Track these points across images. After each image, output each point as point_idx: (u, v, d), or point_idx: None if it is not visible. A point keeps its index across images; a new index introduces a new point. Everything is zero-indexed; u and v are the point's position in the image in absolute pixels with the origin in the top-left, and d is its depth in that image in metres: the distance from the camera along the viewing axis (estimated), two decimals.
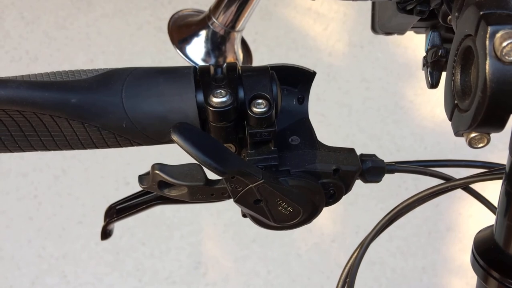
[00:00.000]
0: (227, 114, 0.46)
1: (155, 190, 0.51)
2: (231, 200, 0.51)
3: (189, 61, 0.71)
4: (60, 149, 0.50)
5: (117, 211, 0.60)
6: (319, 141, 0.51)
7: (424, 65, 0.54)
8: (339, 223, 1.87)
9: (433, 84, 0.54)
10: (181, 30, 0.73)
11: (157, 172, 0.48)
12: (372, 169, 0.52)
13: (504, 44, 0.34)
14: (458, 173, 0.58)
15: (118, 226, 1.94)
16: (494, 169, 0.55)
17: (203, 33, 0.72)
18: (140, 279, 1.82)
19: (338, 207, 1.99)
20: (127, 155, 1.83)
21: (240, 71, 0.48)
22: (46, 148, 0.50)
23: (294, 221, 0.50)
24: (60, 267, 1.84)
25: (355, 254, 0.59)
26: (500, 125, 0.38)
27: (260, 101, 0.46)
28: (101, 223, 1.90)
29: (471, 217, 1.85)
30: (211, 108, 0.45)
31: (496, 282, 0.44)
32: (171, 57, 2.17)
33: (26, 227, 1.86)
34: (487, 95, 0.36)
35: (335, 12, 1.97)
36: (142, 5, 1.99)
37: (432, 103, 1.98)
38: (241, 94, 0.47)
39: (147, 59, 1.92)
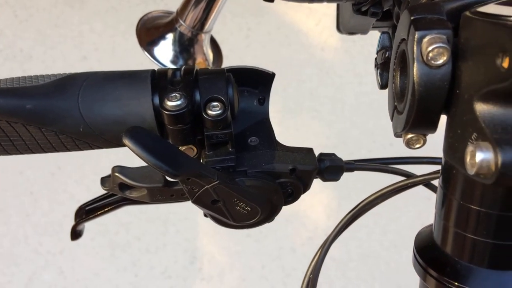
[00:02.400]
0: (182, 117, 0.46)
1: (116, 192, 0.52)
2: None
3: (157, 63, 0.71)
4: (21, 153, 0.50)
5: (86, 212, 0.61)
6: (278, 142, 0.51)
7: (375, 65, 0.55)
8: (333, 217, 1.88)
9: (383, 85, 0.55)
10: (149, 32, 0.73)
11: (117, 174, 0.49)
12: (330, 168, 0.53)
13: (430, 48, 0.35)
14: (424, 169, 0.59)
15: (114, 222, 1.96)
16: None
17: (171, 36, 0.73)
18: (136, 274, 1.83)
19: (332, 201, 2.01)
20: (120, 152, 1.83)
21: (197, 74, 0.48)
22: (7, 152, 0.50)
23: (254, 220, 0.50)
24: (57, 263, 1.85)
25: (318, 254, 0.60)
26: (431, 127, 0.39)
27: (215, 103, 0.47)
28: (96, 220, 1.92)
29: None
30: (166, 112, 0.46)
31: (434, 281, 0.44)
32: None
33: (23, 224, 1.88)
34: (415, 98, 0.37)
35: (327, 7, 1.97)
36: (134, 2, 1.99)
37: None
38: (197, 97, 0.47)
39: (139, 56, 1.92)
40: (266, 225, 1.81)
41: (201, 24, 0.72)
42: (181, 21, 0.72)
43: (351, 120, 1.87)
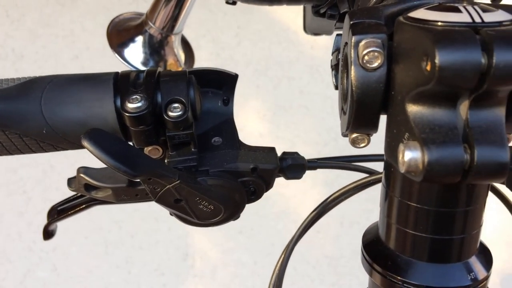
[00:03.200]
0: (142, 119, 0.47)
1: (83, 192, 0.52)
2: None
3: (128, 65, 0.72)
4: None
5: (58, 212, 0.62)
6: (241, 141, 0.52)
7: (330, 66, 0.56)
8: (324, 215, 1.89)
9: (337, 86, 0.56)
10: (120, 34, 0.74)
11: (81, 175, 0.50)
12: (292, 166, 0.54)
13: (365, 52, 0.36)
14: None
15: (107, 220, 1.97)
16: None
17: (141, 38, 0.73)
18: (129, 271, 1.84)
19: (323, 198, 2.02)
20: None
21: (159, 76, 0.49)
22: None
23: (217, 218, 0.51)
24: (51, 260, 1.87)
25: (284, 253, 0.61)
26: (372, 127, 0.40)
27: (176, 105, 0.48)
28: (89, 217, 1.93)
29: None
30: (127, 114, 0.47)
31: (379, 276, 0.45)
32: None
33: (17, 222, 1.89)
34: (354, 99, 0.38)
35: None
36: (126, 1, 2.00)
37: None
38: (158, 98, 0.48)
39: None
40: (258, 222, 1.85)
41: (170, 26, 0.73)
42: (150, 24, 0.73)
43: None
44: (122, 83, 0.48)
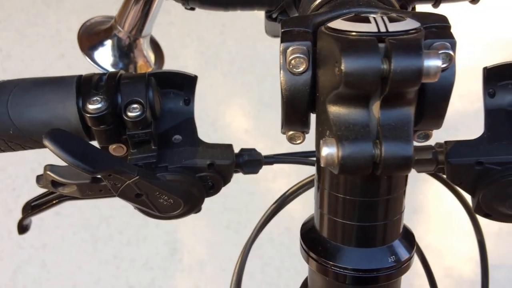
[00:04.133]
0: (102, 119, 0.50)
1: (50, 189, 0.55)
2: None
3: (99, 68, 0.74)
4: None
5: (32, 207, 0.64)
6: (200, 139, 0.55)
7: None
8: (308, 207, 1.91)
9: None
10: (90, 38, 0.75)
11: (48, 172, 0.53)
12: (248, 162, 0.57)
13: (291, 57, 0.40)
14: None
15: (95, 216, 1.99)
16: None
17: (110, 42, 0.75)
18: (118, 266, 1.87)
19: (307, 192, 2.04)
20: None
21: (119, 78, 0.52)
22: None
23: (178, 211, 0.54)
24: (41, 257, 1.88)
25: (243, 250, 0.67)
26: (303, 125, 0.44)
27: (135, 105, 0.51)
28: (78, 214, 1.96)
29: (436, 199, 1.91)
30: (87, 114, 0.50)
31: (315, 262, 0.49)
32: None
33: (6, 219, 1.90)
34: (284, 100, 0.42)
35: None
36: (111, 0, 2.02)
37: None
38: (119, 100, 0.51)
39: None
40: (245, 217, 1.89)
41: (138, 29, 0.74)
42: (119, 28, 0.74)
43: None
44: (85, 86, 0.52)
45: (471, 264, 1.90)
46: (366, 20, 0.40)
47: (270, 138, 1.88)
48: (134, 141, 0.52)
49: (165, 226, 1.91)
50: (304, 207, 1.94)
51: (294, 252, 1.89)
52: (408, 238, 0.50)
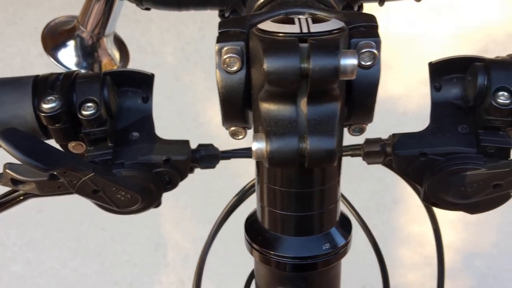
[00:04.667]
0: (57, 118, 0.51)
1: (11, 186, 0.56)
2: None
3: (64, 68, 0.74)
4: None
5: None
6: (157, 136, 0.56)
7: None
8: None
9: None
10: (54, 38, 0.76)
11: (7, 170, 0.53)
12: (205, 157, 0.57)
13: (225, 57, 0.41)
14: None
15: (78, 213, 1.99)
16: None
17: (73, 43, 0.75)
18: (102, 263, 1.88)
19: None
20: None
21: (75, 78, 0.53)
22: None
23: (136, 206, 0.54)
24: (24, 254, 1.89)
25: (203, 250, 0.71)
26: (241, 121, 0.46)
27: (89, 104, 0.52)
28: (60, 211, 1.95)
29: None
30: (42, 114, 0.51)
31: (258, 253, 0.51)
32: None
33: None
34: (220, 98, 0.44)
35: None
36: None
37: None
38: (74, 98, 0.52)
39: None
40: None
41: (101, 28, 0.75)
42: (82, 28, 0.75)
43: None
44: (41, 86, 0.53)
45: (450, 252, 1.93)
46: (291, 22, 0.42)
47: (250, 132, 1.89)
48: (90, 138, 0.53)
49: (149, 222, 1.92)
50: None
51: None
52: (345, 225, 0.53)
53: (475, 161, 0.52)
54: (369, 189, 1.94)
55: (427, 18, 1.99)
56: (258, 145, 0.41)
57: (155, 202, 0.57)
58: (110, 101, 0.53)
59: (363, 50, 0.42)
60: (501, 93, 0.52)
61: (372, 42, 0.42)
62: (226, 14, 0.60)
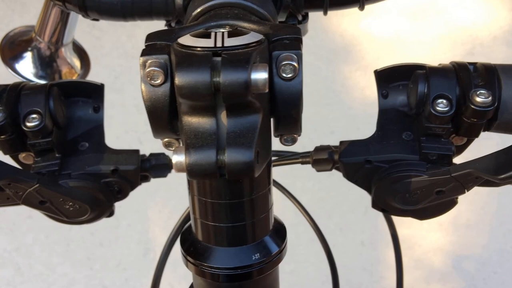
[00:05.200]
0: (1, 130, 0.52)
1: None
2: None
3: (22, 78, 0.74)
4: None
5: None
6: (106, 146, 0.56)
7: None
8: (280, 205, 1.93)
9: None
10: (13, 49, 0.76)
11: None
12: (155, 166, 0.58)
13: (148, 70, 0.41)
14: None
15: None
16: (284, 156, 0.66)
17: (30, 54, 0.76)
18: (91, 267, 1.88)
19: (279, 191, 2.05)
20: None
21: (21, 89, 0.54)
22: None
23: (86, 216, 0.55)
24: (14, 260, 1.89)
25: (162, 255, 0.72)
26: (172, 132, 0.45)
27: (34, 116, 0.52)
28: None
29: None
30: None
31: (193, 266, 0.51)
32: (106, 54, 2.20)
33: None
34: (147, 111, 0.43)
35: None
36: None
37: (361, 85, 2.04)
38: (19, 110, 0.53)
39: None
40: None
41: (58, 38, 0.75)
42: (39, 39, 0.75)
43: None
44: None
45: (441, 255, 1.93)
46: (207, 36, 0.42)
47: None
48: (37, 149, 0.53)
49: (137, 226, 1.92)
50: (277, 203, 1.96)
51: None
52: (278, 233, 0.53)
53: (417, 168, 0.53)
54: (357, 192, 1.93)
55: (413, 20, 1.99)
56: (178, 158, 0.41)
57: (105, 212, 0.57)
58: (56, 112, 0.53)
59: (283, 63, 0.42)
60: (440, 100, 0.52)
61: (293, 55, 0.42)
62: (172, 24, 0.60)
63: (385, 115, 0.56)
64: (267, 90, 0.39)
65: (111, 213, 0.59)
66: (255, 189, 0.48)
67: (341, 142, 0.57)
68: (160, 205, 1.94)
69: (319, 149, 0.59)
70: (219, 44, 0.41)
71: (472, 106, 0.50)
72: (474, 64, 0.53)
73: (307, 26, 0.77)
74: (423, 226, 1.96)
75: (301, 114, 0.45)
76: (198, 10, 0.50)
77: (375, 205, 0.57)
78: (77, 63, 0.80)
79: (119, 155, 0.55)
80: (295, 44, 0.43)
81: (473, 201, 1.99)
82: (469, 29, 1.93)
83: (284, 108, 0.44)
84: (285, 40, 0.44)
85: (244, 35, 0.42)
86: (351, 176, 0.56)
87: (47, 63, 0.76)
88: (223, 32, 0.42)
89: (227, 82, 0.38)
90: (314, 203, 1.94)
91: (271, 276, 0.54)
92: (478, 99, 0.50)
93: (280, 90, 0.43)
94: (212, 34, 0.42)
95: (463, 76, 0.52)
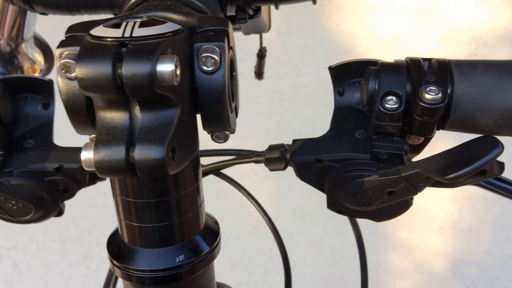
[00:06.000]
0: None
1: None
2: None
3: None
4: None
5: None
6: (53, 143, 0.55)
7: None
8: (277, 206, 1.92)
9: None
10: None
11: None
12: None
13: (62, 62, 0.39)
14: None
15: (64, 217, 2.01)
16: (246, 156, 0.63)
17: None
18: (88, 266, 1.88)
19: (276, 191, 2.04)
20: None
21: None
22: None
23: (31, 215, 0.54)
24: (12, 258, 1.91)
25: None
26: (91, 128, 0.43)
27: None
28: None
29: None
30: None
31: (119, 270, 0.48)
32: None
33: None
34: (64, 105, 0.41)
35: None
36: None
37: None
38: None
39: None
40: (213, 216, 1.84)
41: (18, 34, 0.74)
42: None
43: (290, 110, 1.90)
44: None
45: (440, 259, 1.89)
46: (117, 26, 0.40)
47: (235, 138, 1.88)
48: None
49: None
50: (274, 206, 1.94)
51: (262, 250, 1.90)
52: (210, 232, 0.51)
53: (368, 168, 0.51)
54: None
55: (416, 20, 1.95)
56: (86, 154, 0.39)
57: (52, 211, 0.55)
58: (1, 108, 0.52)
59: (203, 55, 0.40)
60: (389, 97, 0.49)
61: (215, 47, 0.41)
62: None
63: (340, 113, 0.54)
64: (176, 83, 0.37)
65: (60, 212, 0.57)
66: (180, 187, 0.46)
67: (294, 141, 0.54)
68: None
69: (272, 147, 0.57)
70: (127, 34, 0.39)
71: (421, 103, 0.48)
72: (429, 60, 0.51)
73: (266, 21, 0.75)
74: (424, 230, 1.92)
75: (227, 109, 0.43)
76: (132, 1, 0.48)
77: (330, 206, 0.55)
78: (40, 58, 0.79)
79: (65, 153, 0.54)
80: (219, 36, 0.42)
81: (475, 204, 1.95)
82: (472, 29, 1.89)
83: (207, 103, 0.42)
84: (210, 32, 0.42)
85: (158, 25, 0.40)
86: (303, 175, 0.54)
87: (7, 60, 0.76)
88: (134, 22, 0.40)
89: (130, 74, 0.36)
90: (311, 205, 1.92)
91: (204, 276, 0.52)
92: (427, 96, 0.48)
93: (202, 83, 0.41)
94: (123, 24, 0.40)
95: (414, 72, 0.49)
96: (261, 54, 0.90)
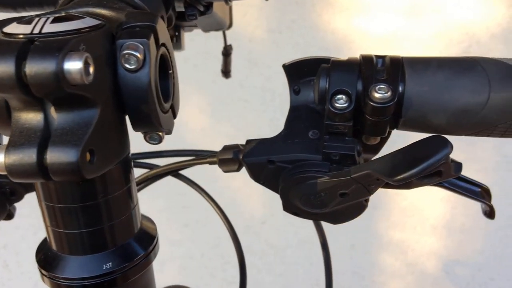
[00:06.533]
0: None
1: None
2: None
3: None
4: None
5: None
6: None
7: None
8: (268, 206, 1.91)
9: None
10: None
11: None
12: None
13: None
14: None
15: None
16: (200, 157, 0.62)
17: None
18: None
19: (267, 191, 2.02)
20: None
21: None
22: None
23: None
24: (2, 257, 1.90)
25: None
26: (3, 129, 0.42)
27: None
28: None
29: (397, 195, 1.88)
30: None
31: (48, 279, 0.47)
32: None
33: None
34: None
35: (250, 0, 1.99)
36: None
37: None
38: None
39: None
40: (204, 215, 1.87)
41: None
42: None
43: (281, 109, 1.89)
44: None
45: (433, 259, 1.88)
46: (29, 22, 0.38)
47: (226, 136, 1.88)
48: None
49: None
50: (264, 205, 1.93)
51: (254, 250, 1.89)
52: (145, 235, 0.49)
53: (320, 169, 0.49)
54: None
55: (410, 18, 1.94)
56: None
57: (3, 214, 0.55)
58: None
59: (125, 52, 0.39)
60: (339, 96, 0.48)
61: (138, 44, 0.39)
62: None
63: (295, 112, 0.53)
64: (86, 82, 0.35)
65: (9, 215, 0.56)
66: (107, 191, 0.44)
67: (248, 141, 0.53)
68: (147, 204, 1.91)
69: (226, 148, 0.56)
70: (36, 30, 0.37)
71: (370, 103, 0.47)
72: (383, 57, 0.49)
73: (224, 18, 0.73)
74: (416, 230, 1.91)
75: (156, 109, 0.41)
76: None
77: (286, 208, 0.53)
78: None
79: None
80: (144, 32, 0.40)
81: (468, 204, 1.93)
82: (466, 26, 1.87)
83: (132, 102, 0.40)
84: (136, 28, 0.41)
85: (73, 21, 0.38)
86: (256, 177, 0.53)
87: None
88: (47, 18, 0.38)
89: (34, 73, 0.35)
90: None
91: (141, 281, 0.50)
92: (377, 95, 0.46)
93: (125, 82, 0.39)
94: (35, 20, 0.38)
95: (366, 70, 0.48)
96: (226, 52, 0.89)
